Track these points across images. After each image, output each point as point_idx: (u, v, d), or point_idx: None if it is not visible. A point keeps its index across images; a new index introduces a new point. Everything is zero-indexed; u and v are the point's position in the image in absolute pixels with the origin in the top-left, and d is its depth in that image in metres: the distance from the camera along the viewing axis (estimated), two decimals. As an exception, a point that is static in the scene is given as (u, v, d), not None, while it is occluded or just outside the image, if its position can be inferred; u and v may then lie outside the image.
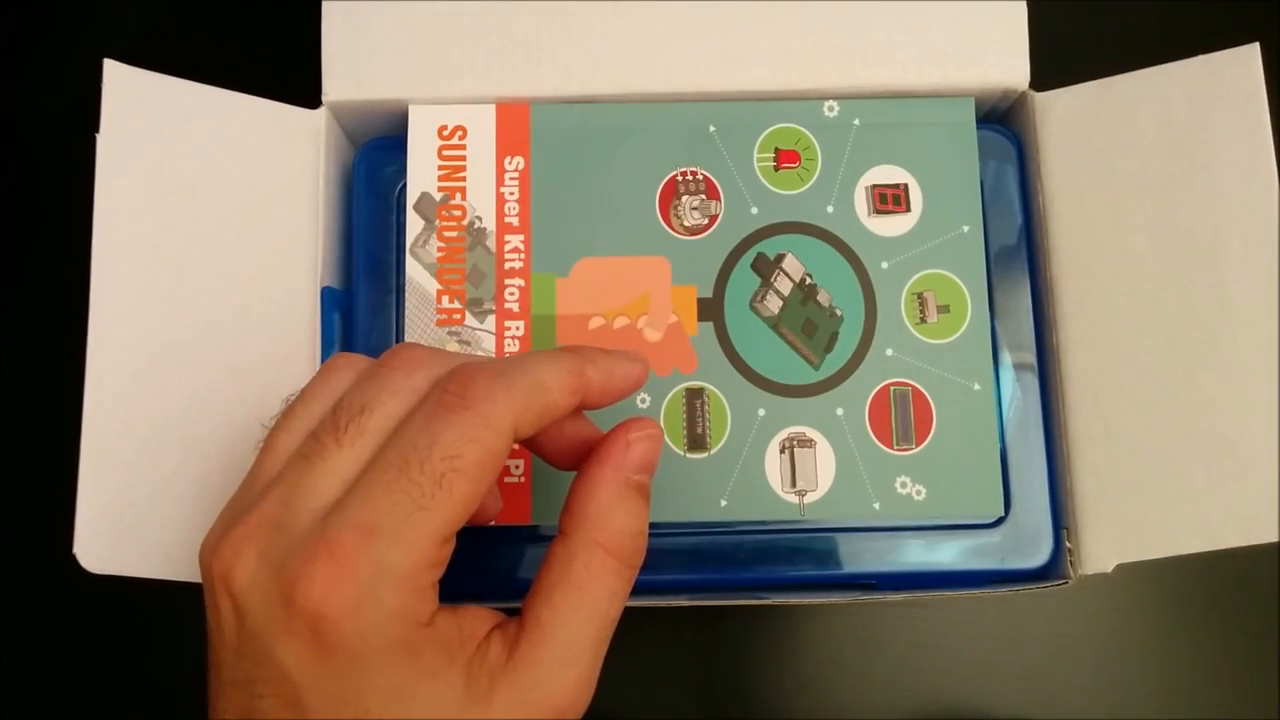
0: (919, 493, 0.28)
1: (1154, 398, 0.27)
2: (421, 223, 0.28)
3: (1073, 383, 0.29)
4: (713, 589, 0.29)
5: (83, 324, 0.27)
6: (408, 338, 0.28)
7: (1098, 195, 0.29)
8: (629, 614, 0.34)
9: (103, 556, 0.26)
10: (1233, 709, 0.33)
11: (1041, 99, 0.29)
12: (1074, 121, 0.29)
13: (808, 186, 0.29)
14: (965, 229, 0.29)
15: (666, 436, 0.28)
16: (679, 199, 0.29)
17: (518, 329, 0.28)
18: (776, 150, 0.29)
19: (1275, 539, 0.25)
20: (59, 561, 0.25)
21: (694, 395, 0.28)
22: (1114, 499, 0.27)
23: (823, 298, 0.29)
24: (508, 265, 0.28)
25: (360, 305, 0.30)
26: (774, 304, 0.29)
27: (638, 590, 0.29)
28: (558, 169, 0.29)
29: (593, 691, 0.22)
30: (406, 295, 0.28)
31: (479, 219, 0.29)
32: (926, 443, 0.28)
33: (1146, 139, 0.28)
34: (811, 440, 0.28)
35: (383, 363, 0.22)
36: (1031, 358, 0.29)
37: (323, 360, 0.29)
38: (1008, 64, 0.29)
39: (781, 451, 0.28)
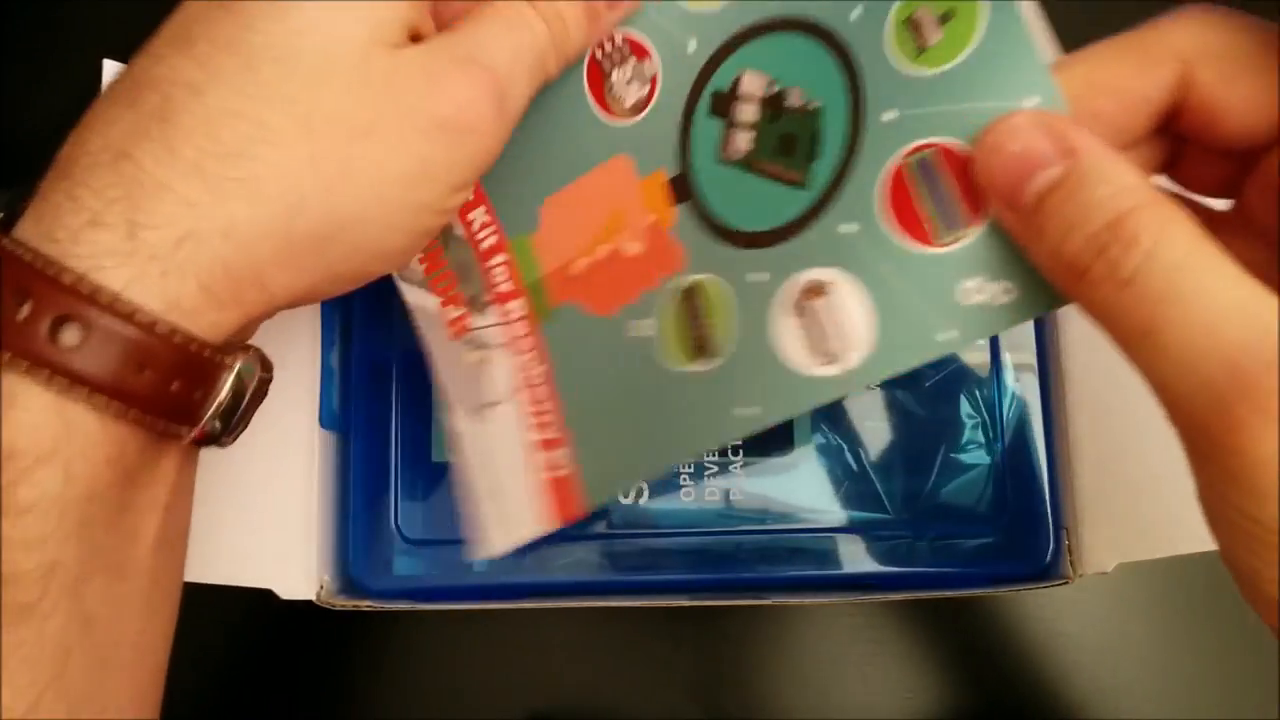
0: (1008, 291, 0.20)
1: (1154, 397, 0.27)
2: None
3: (1073, 383, 0.29)
4: (713, 589, 0.29)
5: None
6: (433, 362, 0.26)
7: (1098, 195, 0.29)
8: (629, 614, 0.34)
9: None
10: (1233, 709, 0.33)
11: (1041, 99, 0.29)
12: (1074, 121, 0.29)
13: None
14: None
15: (670, 356, 0.24)
16: (608, 79, 0.24)
17: (519, 308, 0.25)
18: None
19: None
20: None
21: (689, 296, 0.23)
22: (1114, 499, 0.28)
23: (793, 99, 0.22)
24: (483, 246, 0.26)
25: (360, 304, 0.30)
26: (743, 141, 0.23)
27: (638, 590, 0.29)
28: None
29: (506, 92, 0.21)
30: (414, 318, 0.26)
31: None
32: (990, 211, 0.19)
33: (1146, 139, 0.28)
34: (826, 284, 0.21)
35: None
36: (1031, 358, 0.29)
37: (324, 361, 0.29)
38: (1007, 64, 0.29)
39: (799, 315, 0.22)
